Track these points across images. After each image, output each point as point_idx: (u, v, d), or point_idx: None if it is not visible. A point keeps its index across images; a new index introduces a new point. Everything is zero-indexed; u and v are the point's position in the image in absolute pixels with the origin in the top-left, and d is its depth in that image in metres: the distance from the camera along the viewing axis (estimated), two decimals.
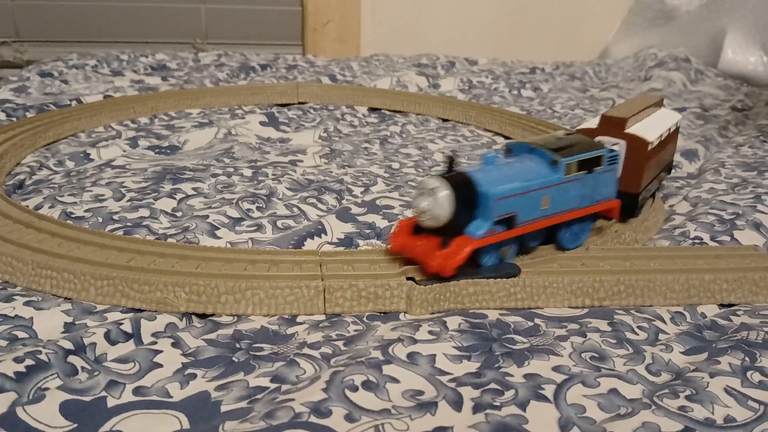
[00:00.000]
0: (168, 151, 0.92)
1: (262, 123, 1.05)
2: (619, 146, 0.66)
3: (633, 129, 0.67)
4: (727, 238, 0.68)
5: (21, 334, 0.49)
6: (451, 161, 0.55)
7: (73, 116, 0.99)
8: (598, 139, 0.66)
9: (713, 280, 0.57)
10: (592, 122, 0.71)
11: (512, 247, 0.59)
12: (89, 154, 0.87)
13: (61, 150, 0.89)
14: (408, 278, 0.55)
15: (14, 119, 1.00)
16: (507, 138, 1.09)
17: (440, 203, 0.53)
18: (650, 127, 0.70)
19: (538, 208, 0.58)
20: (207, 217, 0.68)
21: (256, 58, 1.50)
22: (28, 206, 0.69)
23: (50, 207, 0.69)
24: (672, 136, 0.77)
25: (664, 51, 1.65)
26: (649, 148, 0.66)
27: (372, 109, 1.21)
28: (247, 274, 0.54)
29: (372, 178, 0.84)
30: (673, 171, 0.91)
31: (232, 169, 0.83)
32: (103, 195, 0.73)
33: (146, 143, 0.93)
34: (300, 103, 1.20)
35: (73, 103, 1.08)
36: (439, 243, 0.54)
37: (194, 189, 0.76)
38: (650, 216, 0.71)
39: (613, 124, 0.67)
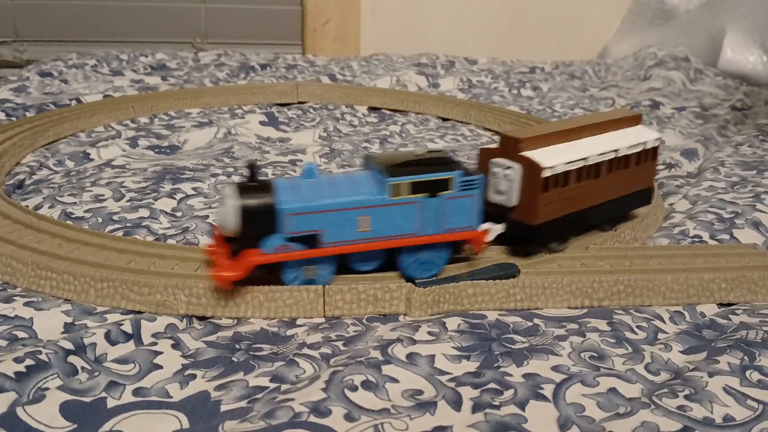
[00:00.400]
0: (168, 150, 0.92)
1: (261, 122, 1.05)
2: (513, 170, 0.58)
3: (534, 152, 0.58)
4: (727, 237, 0.68)
5: (21, 334, 0.49)
6: (252, 169, 0.53)
7: (73, 116, 0.99)
8: (495, 160, 0.59)
9: (712, 279, 0.58)
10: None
11: (323, 268, 0.54)
12: (89, 154, 0.87)
13: (60, 150, 0.89)
14: (407, 280, 0.55)
15: (14, 119, 1.00)
16: None
17: (227, 213, 0.51)
18: (567, 151, 0.60)
19: (353, 229, 0.53)
20: (207, 217, 0.68)
21: (255, 57, 1.50)
22: (27, 206, 0.69)
23: (50, 207, 0.69)
24: (641, 159, 0.67)
25: (664, 50, 1.65)
26: (546, 174, 0.57)
27: (372, 109, 1.21)
28: (247, 277, 0.54)
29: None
30: (672, 170, 0.91)
31: (232, 169, 0.83)
32: (102, 195, 0.73)
33: (146, 143, 0.93)
34: (300, 102, 1.20)
35: (73, 102, 1.08)
36: (229, 252, 0.53)
37: (194, 189, 0.76)
38: (650, 214, 0.71)
39: (509, 145, 0.59)
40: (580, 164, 0.60)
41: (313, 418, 0.40)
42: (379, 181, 0.54)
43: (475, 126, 1.15)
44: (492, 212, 0.60)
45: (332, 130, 1.06)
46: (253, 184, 0.52)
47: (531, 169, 0.57)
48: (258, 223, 0.51)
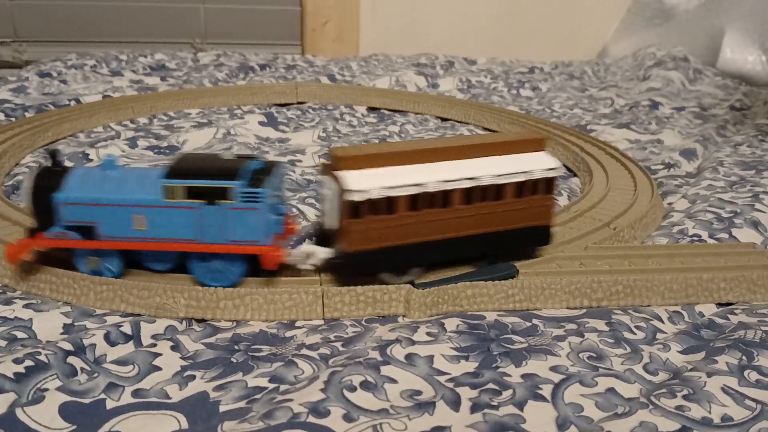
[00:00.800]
0: (167, 151, 0.92)
1: (261, 123, 1.05)
2: (330, 190, 0.55)
3: (355, 172, 0.53)
4: (726, 236, 0.68)
5: (20, 335, 0.49)
6: (53, 156, 0.54)
7: (72, 116, 0.99)
8: (321, 177, 0.57)
9: (711, 279, 0.58)
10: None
11: (108, 261, 0.55)
12: (88, 155, 0.87)
13: (60, 150, 0.89)
14: (407, 281, 0.55)
15: (13, 119, 1.00)
16: None
17: (24, 195, 0.53)
18: (399, 175, 0.54)
19: (129, 227, 0.53)
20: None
21: (255, 58, 1.50)
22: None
23: None
24: (525, 190, 0.58)
25: (663, 50, 1.65)
26: (355, 197, 0.52)
27: (371, 109, 1.21)
28: (246, 280, 0.55)
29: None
30: (672, 170, 0.91)
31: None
32: None
33: (145, 143, 0.93)
34: (299, 102, 1.20)
35: (72, 103, 1.08)
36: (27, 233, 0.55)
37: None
38: (649, 213, 0.71)
39: (334, 163, 0.54)
40: (413, 191, 0.53)
41: (311, 419, 0.40)
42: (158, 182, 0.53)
43: (474, 126, 1.15)
44: (324, 234, 0.57)
45: (331, 130, 1.06)
46: (53, 169, 0.54)
47: (342, 191, 0.53)
48: (42, 208, 0.53)
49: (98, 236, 0.53)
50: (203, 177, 0.52)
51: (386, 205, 0.53)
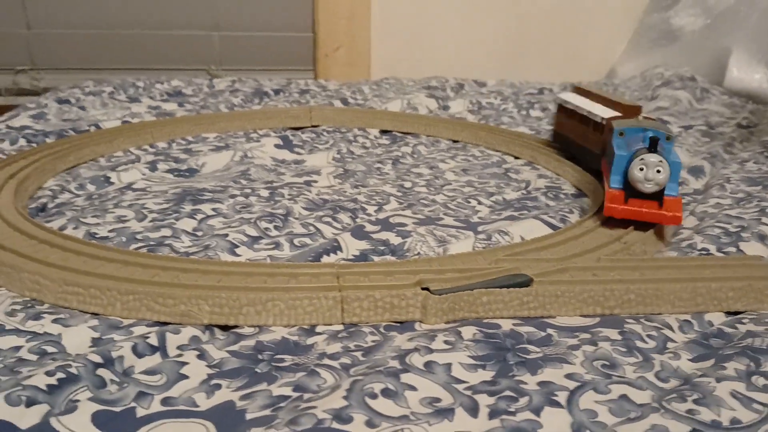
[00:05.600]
0: (186, 173, 0.94)
1: (276, 146, 1.07)
2: None
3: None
4: (733, 249, 0.70)
5: (50, 349, 0.51)
6: (654, 142, 0.71)
7: (92, 141, 1.01)
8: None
9: (719, 288, 0.59)
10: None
11: None
12: (109, 178, 0.90)
13: (81, 174, 0.91)
14: (423, 288, 0.57)
15: (34, 144, 1.02)
16: (516, 158, 1.10)
17: (664, 173, 0.70)
18: None
19: None
20: (227, 235, 0.70)
21: (269, 83, 1.53)
22: (52, 227, 0.71)
23: (74, 228, 0.72)
24: None
25: (670, 70, 1.67)
26: None
27: (383, 131, 1.23)
28: (267, 287, 0.56)
29: (385, 197, 0.86)
30: (679, 188, 0.93)
31: (249, 190, 0.85)
32: (125, 216, 0.75)
33: (165, 166, 0.95)
34: (313, 126, 1.23)
35: (92, 128, 1.11)
36: (656, 205, 0.72)
37: (213, 209, 0.78)
38: (659, 230, 0.73)
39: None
40: None
41: (335, 425, 0.42)
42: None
43: (485, 147, 1.16)
44: None
45: (345, 152, 1.08)
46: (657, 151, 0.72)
47: None
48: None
49: None
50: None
51: None
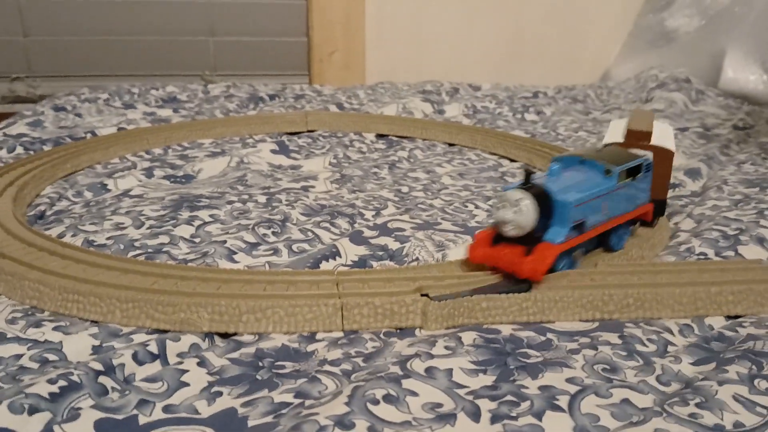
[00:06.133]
0: (183, 180, 0.94)
1: (273, 151, 1.07)
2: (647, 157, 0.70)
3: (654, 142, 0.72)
4: (732, 254, 0.70)
5: (51, 357, 0.51)
6: (528, 174, 0.60)
7: (89, 148, 1.01)
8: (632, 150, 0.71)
9: (719, 292, 0.59)
10: (615, 135, 0.76)
11: (580, 252, 0.65)
12: (106, 185, 0.90)
13: (78, 181, 0.91)
14: (422, 294, 0.57)
15: (32, 152, 1.02)
16: (512, 161, 1.11)
17: (525, 213, 0.58)
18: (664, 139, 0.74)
19: (599, 213, 0.63)
20: (225, 242, 0.70)
21: (264, 88, 1.53)
22: (51, 235, 0.71)
23: (73, 236, 0.71)
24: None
25: (665, 72, 1.67)
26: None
27: (379, 136, 1.24)
28: (267, 294, 0.56)
29: (382, 202, 0.86)
30: (677, 190, 0.93)
31: (246, 196, 0.85)
32: (123, 223, 0.75)
33: (161, 173, 0.95)
34: (309, 131, 1.23)
35: (88, 135, 1.11)
36: (522, 251, 0.58)
37: (211, 216, 0.78)
38: (656, 233, 0.73)
39: (638, 138, 0.73)
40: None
41: (338, 431, 0.42)
42: (603, 172, 0.65)
43: (481, 150, 1.17)
44: None
45: (342, 156, 1.08)
46: (531, 186, 0.60)
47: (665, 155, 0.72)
48: (545, 218, 0.60)
49: (585, 229, 0.62)
50: (627, 161, 0.66)
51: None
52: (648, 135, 0.73)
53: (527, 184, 0.59)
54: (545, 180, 0.62)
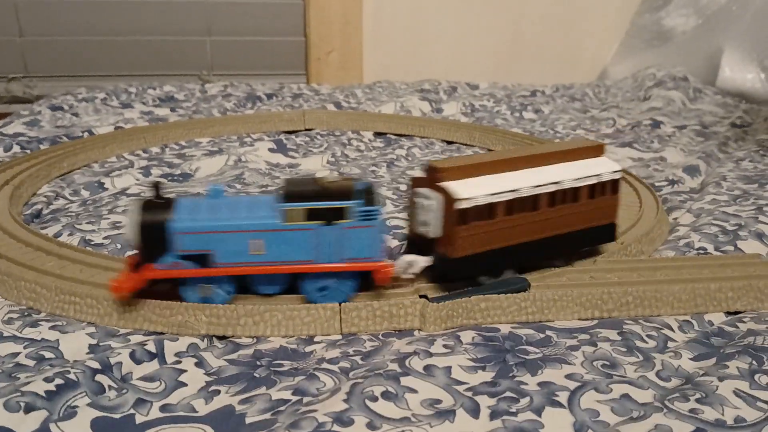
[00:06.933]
0: (180, 178, 0.94)
1: (270, 149, 1.07)
2: (433, 201, 0.57)
3: (455, 182, 0.57)
4: (731, 248, 0.70)
5: (48, 354, 0.50)
6: (156, 188, 0.55)
7: (86, 147, 1.01)
8: (417, 190, 0.59)
9: (719, 289, 0.59)
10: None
11: (222, 287, 0.56)
12: (103, 183, 0.89)
13: (75, 180, 0.91)
14: (421, 296, 0.57)
15: (28, 151, 1.02)
16: None
17: (130, 227, 0.54)
18: (494, 183, 0.58)
19: (245, 252, 0.54)
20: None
21: (261, 87, 1.52)
22: (47, 234, 0.70)
23: (69, 235, 0.71)
24: (596, 192, 0.64)
25: (663, 71, 1.67)
26: (463, 205, 0.56)
27: (377, 134, 1.23)
28: (265, 297, 0.56)
29: (381, 200, 0.86)
30: (676, 186, 0.93)
31: (244, 194, 0.85)
32: (120, 222, 0.74)
33: (159, 171, 0.95)
34: (307, 129, 1.22)
35: (85, 134, 1.10)
36: (133, 265, 0.55)
37: None
38: (655, 228, 0.73)
39: (432, 175, 0.58)
40: (510, 196, 0.58)
41: (336, 428, 0.42)
42: (275, 206, 0.55)
43: (479, 148, 1.16)
44: (419, 243, 0.59)
45: (340, 155, 1.08)
46: (159, 201, 0.54)
47: (448, 200, 0.56)
48: (151, 239, 0.53)
49: (213, 263, 0.54)
50: (322, 199, 0.54)
51: (488, 211, 0.58)
52: (439, 172, 0.57)
53: (157, 198, 0.55)
54: (184, 198, 0.57)
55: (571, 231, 0.63)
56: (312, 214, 0.54)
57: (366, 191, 0.56)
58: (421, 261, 0.58)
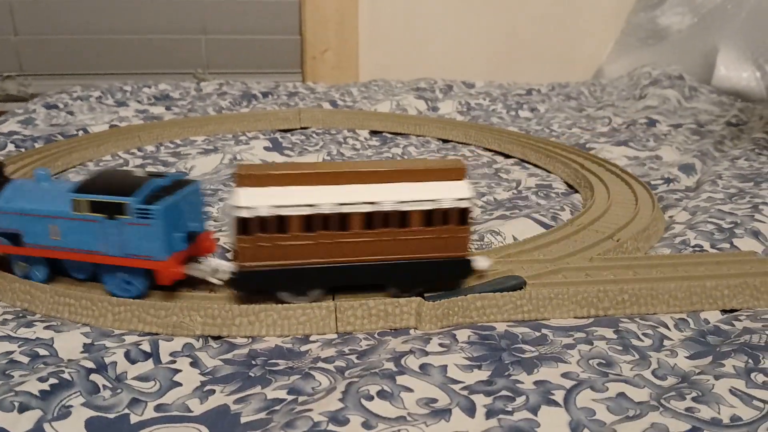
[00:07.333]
0: None
1: (266, 148, 1.07)
2: (227, 206, 0.56)
3: (250, 189, 0.54)
4: (727, 246, 0.70)
5: (42, 351, 0.50)
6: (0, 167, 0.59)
7: (81, 146, 1.01)
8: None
9: (715, 287, 0.59)
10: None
11: (37, 269, 0.59)
12: None
13: (70, 179, 0.91)
14: (416, 295, 0.57)
15: (23, 150, 1.01)
16: (507, 157, 1.10)
17: None
18: (294, 195, 0.54)
19: (46, 236, 0.57)
20: (217, 240, 0.70)
21: (257, 86, 1.52)
22: None
23: None
24: (436, 219, 0.57)
25: (658, 69, 1.67)
26: (243, 214, 0.53)
27: (373, 132, 1.23)
28: (260, 296, 0.56)
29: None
30: (671, 184, 0.93)
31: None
32: None
33: (154, 170, 0.95)
34: (302, 128, 1.22)
35: (80, 133, 1.10)
36: None
37: (203, 213, 0.77)
38: (651, 225, 0.73)
39: (235, 179, 0.55)
40: (306, 211, 0.54)
41: (332, 427, 0.41)
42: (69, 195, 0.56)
43: (475, 146, 1.16)
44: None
45: (335, 153, 1.08)
46: None
47: (234, 208, 0.54)
48: None
49: (24, 243, 0.58)
50: (104, 192, 0.55)
51: (277, 223, 0.54)
52: (239, 177, 0.54)
53: None
54: (14, 181, 0.60)
55: (403, 259, 0.57)
56: (95, 207, 0.55)
57: (167, 188, 0.57)
58: (226, 267, 0.56)
